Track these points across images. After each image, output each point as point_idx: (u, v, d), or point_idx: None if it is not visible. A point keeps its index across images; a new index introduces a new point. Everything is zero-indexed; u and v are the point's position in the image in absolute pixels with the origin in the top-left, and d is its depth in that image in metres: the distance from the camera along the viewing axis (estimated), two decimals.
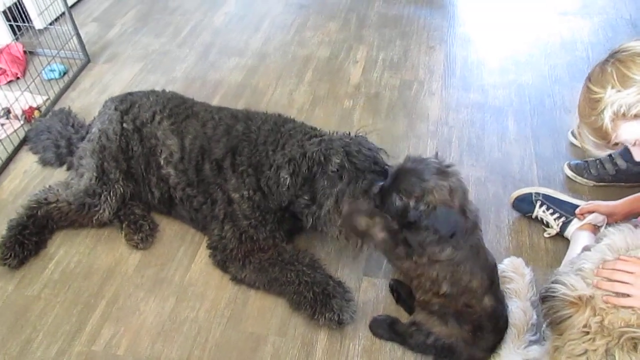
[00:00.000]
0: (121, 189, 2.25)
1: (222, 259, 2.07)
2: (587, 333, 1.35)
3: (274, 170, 1.97)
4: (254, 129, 2.11)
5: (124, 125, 2.28)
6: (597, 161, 2.35)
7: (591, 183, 2.36)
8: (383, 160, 1.97)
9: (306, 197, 1.92)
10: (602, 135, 1.62)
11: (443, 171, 1.61)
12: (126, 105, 2.33)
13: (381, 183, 1.73)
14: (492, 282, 1.67)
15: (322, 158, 1.89)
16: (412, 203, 1.58)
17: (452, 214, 1.57)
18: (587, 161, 2.38)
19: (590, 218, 2.07)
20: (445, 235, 1.58)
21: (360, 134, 2.02)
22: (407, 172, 1.62)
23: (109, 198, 2.23)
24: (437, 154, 1.68)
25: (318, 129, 2.11)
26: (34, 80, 2.90)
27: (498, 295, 1.72)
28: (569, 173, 2.40)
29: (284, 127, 2.09)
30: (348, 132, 2.04)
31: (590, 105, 1.61)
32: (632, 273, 1.36)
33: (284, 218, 2.08)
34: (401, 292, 1.95)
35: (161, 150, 2.22)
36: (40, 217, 2.21)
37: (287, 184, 1.92)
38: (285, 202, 1.98)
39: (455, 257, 1.62)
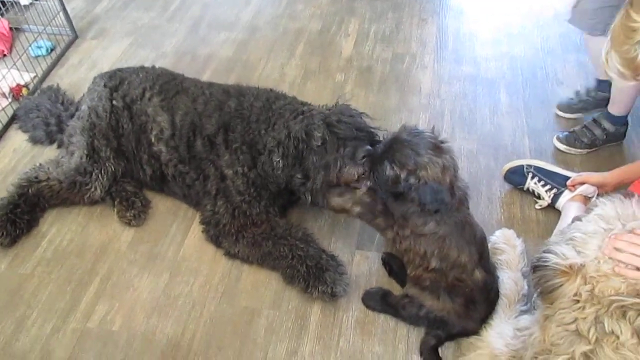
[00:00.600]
0: (112, 167, 2.24)
1: (215, 234, 2.07)
2: (578, 301, 1.36)
3: (267, 155, 1.97)
4: (247, 106, 2.09)
5: (114, 102, 2.25)
6: (585, 129, 2.36)
7: (584, 151, 2.37)
8: (366, 124, 1.95)
9: (299, 176, 1.91)
10: (634, 66, 1.55)
11: (438, 147, 1.61)
12: (115, 81, 2.30)
13: (367, 147, 1.75)
14: (482, 255, 1.68)
15: (304, 135, 1.87)
16: (403, 175, 1.58)
17: (440, 191, 1.58)
18: (574, 131, 2.39)
19: (581, 189, 2.08)
20: (429, 210, 1.59)
21: (342, 103, 2.00)
22: (402, 144, 1.61)
23: (100, 176, 2.21)
24: (433, 128, 1.68)
25: (309, 103, 2.09)
26: (20, 57, 2.86)
27: (488, 267, 1.73)
28: (561, 146, 2.40)
29: (275, 104, 2.07)
30: (334, 104, 2.02)
31: (626, 33, 1.52)
32: None
33: (279, 193, 2.08)
34: (393, 265, 1.96)
35: (152, 127, 2.20)
36: (31, 196, 2.20)
37: (281, 166, 1.92)
38: (282, 184, 1.98)
39: (439, 231, 1.63)
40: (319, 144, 1.84)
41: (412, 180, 1.58)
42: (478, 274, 1.67)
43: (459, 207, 1.65)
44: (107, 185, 2.24)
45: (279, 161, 1.92)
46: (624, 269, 1.33)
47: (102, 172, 2.22)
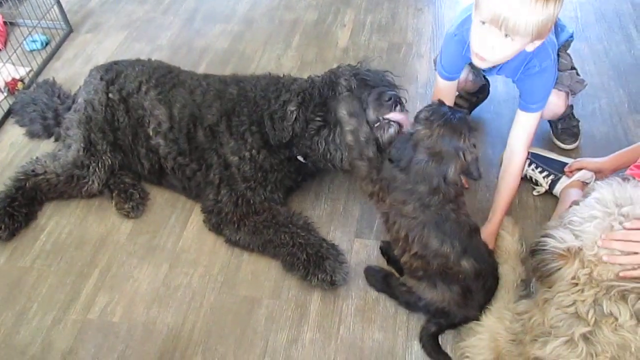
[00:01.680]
0: (109, 160, 2.24)
1: (217, 222, 2.07)
2: (576, 285, 1.38)
3: (280, 105, 1.98)
4: (250, 88, 2.10)
5: (110, 95, 2.25)
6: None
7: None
8: (392, 80, 2.00)
9: (318, 119, 1.92)
10: None
11: (457, 146, 1.61)
12: (112, 75, 2.30)
13: (392, 92, 1.82)
14: (465, 248, 1.67)
15: (332, 78, 1.93)
16: (415, 125, 1.66)
17: (406, 148, 1.63)
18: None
19: (578, 175, 2.09)
20: (393, 158, 1.66)
21: (364, 62, 2.05)
22: (445, 111, 1.65)
23: (97, 169, 2.21)
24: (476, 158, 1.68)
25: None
26: (15, 52, 2.85)
27: (480, 256, 1.72)
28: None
29: (282, 78, 2.13)
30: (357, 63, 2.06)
31: None
32: None
33: (285, 175, 2.10)
34: (391, 255, 1.97)
35: (149, 121, 2.19)
36: (28, 189, 2.20)
37: (294, 116, 1.93)
38: (287, 137, 1.97)
39: (418, 217, 1.64)
40: (346, 89, 1.87)
41: (414, 129, 1.65)
42: (466, 264, 1.67)
43: (441, 204, 1.64)
44: (104, 179, 2.24)
45: (293, 111, 1.93)
46: (629, 272, 1.34)
47: (100, 165, 2.22)
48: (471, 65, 2.11)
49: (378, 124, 1.86)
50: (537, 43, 1.74)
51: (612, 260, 1.34)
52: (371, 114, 1.87)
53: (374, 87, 1.90)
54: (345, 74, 1.93)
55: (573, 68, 2.13)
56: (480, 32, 1.73)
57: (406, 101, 1.98)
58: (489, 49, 1.73)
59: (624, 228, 1.37)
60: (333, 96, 1.90)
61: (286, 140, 1.99)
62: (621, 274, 1.34)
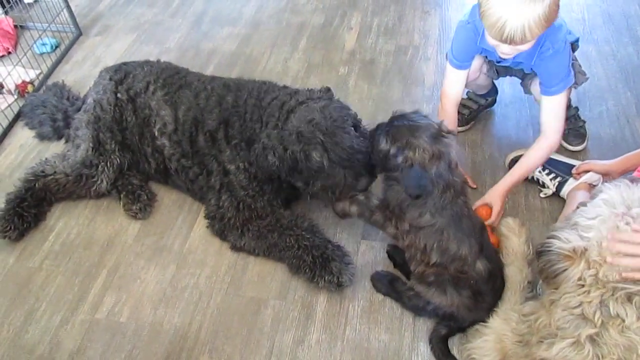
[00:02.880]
0: (117, 159, 2.25)
1: (220, 228, 2.08)
2: (582, 286, 1.37)
3: (261, 149, 1.92)
4: (241, 103, 2.09)
5: (118, 95, 2.26)
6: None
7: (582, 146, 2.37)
8: (355, 121, 1.93)
9: (299, 183, 1.92)
10: None
11: (436, 137, 1.61)
12: (120, 75, 2.32)
13: (365, 179, 1.84)
14: (482, 247, 1.67)
15: (303, 156, 1.82)
16: (392, 150, 1.62)
17: (422, 177, 1.59)
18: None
19: (586, 177, 2.08)
20: (410, 194, 1.62)
21: (323, 91, 2.01)
22: (403, 122, 1.64)
23: (105, 169, 2.23)
24: (442, 122, 1.68)
25: (297, 91, 2.06)
26: (25, 54, 2.88)
27: (491, 256, 1.73)
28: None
29: (264, 100, 2.05)
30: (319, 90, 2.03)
31: None
32: None
33: (281, 188, 2.09)
34: (397, 258, 1.97)
35: (155, 121, 2.21)
36: (38, 190, 2.22)
37: (276, 165, 1.89)
38: (275, 175, 1.97)
39: (436, 223, 1.64)
40: (317, 165, 1.81)
41: (399, 158, 1.61)
42: (480, 265, 1.67)
43: (454, 200, 1.64)
44: (112, 178, 2.25)
45: (274, 161, 1.88)
46: (632, 274, 1.34)
47: (108, 164, 2.23)
48: (485, 57, 2.14)
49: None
50: (557, 14, 1.80)
51: (615, 261, 1.34)
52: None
53: (343, 163, 1.83)
54: (317, 147, 1.80)
55: (574, 59, 2.13)
56: (495, 43, 1.85)
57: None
58: (506, 55, 1.88)
59: (632, 230, 1.37)
60: (307, 168, 1.83)
61: (276, 176, 1.99)
62: (623, 274, 1.33)
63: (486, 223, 1.90)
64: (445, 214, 1.64)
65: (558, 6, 1.76)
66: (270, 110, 2.00)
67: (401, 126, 1.63)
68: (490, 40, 1.85)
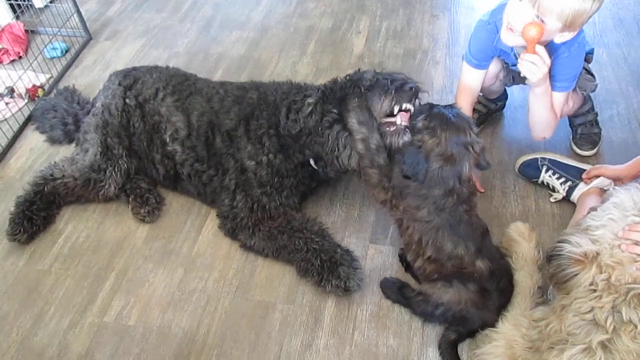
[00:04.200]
0: (125, 164, 2.26)
1: (232, 228, 2.08)
2: (594, 291, 1.36)
3: (301, 98, 2.01)
4: (271, 92, 2.11)
5: (127, 100, 2.27)
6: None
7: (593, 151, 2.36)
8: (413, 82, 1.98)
9: (335, 111, 1.92)
10: None
11: (463, 145, 1.62)
12: (130, 80, 2.33)
13: (413, 83, 1.83)
14: (480, 249, 1.67)
15: (356, 76, 1.95)
16: (418, 125, 1.65)
17: (420, 162, 1.61)
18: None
19: (596, 182, 2.07)
20: (402, 170, 1.64)
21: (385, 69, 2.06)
22: (449, 112, 1.65)
23: (114, 173, 2.24)
24: (482, 144, 1.69)
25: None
26: (36, 59, 2.90)
27: (493, 256, 1.72)
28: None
29: (304, 85, 2.14)
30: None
31: None
32: None
33: (300, 182, 2.11)
34: (405, 250, 1.95)
35: (166, 127, 2.21)
36: (47, 193, 2.23)
37: (310, 109, 1.95)
38: (297, 128, 1.98)
39: (432, 221, 1.64)
40: (368, 84, 1.89)
41: (417, 136, 1.64)
42: (480, 264, 1.67)
43: (455, 206, 1.64)
44: (120, 183, 2.26)
45: (311, 103, 1.96)
46: (631, 246, 1.32)
47: (116, 169, 2.24)
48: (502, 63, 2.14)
49: (394, 128, 1.85)
50: (566, 36, 1.79)
51: (630, 249, 1.32)
52: (387, 104, 1.86)
53: (393, 83, 1.90)
54: (369, 71, 1.96)
55: (584, 68, 2.12)
56: (515, 6, 1.79)
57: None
58: (519, 23, 1.77)
59: None
60: (354, 92, 1.91)
61: (296, 131, 1.99)
62: (623, 247, 1.32)
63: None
64: (443, 216, 1.65)
65: (585, 21, 1.76)
66: (310, 86, 2.10)
67: (443, 114, 1.64)
68: (508, 30, 1.84)
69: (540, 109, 2.03)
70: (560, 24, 1.73)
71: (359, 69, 2.04)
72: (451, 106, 1.69)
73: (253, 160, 2.07)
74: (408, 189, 1.67)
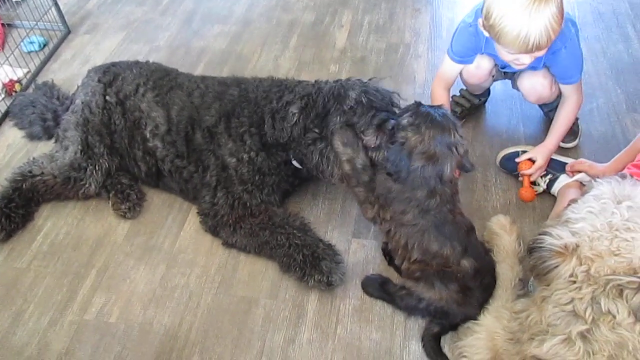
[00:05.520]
0: (106, 163, 2.23)
1: (213, 225, 2.07)
2: (574, 282, 1.37)
3: (282, 105, 1.96)
4: (252, 89, 2.09)
5: (107, 98, 2.24)
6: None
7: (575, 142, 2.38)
8: (398, 103, 1.96)
9: (316, 130, 1.90)
10: None
11: (447, 145, 1.62)
12: (109, 77, 2.29)
13: (394, 121, 1.77)
14: (465, 248, 1.67)
15: (340, 91, 1.88)
16: (403, 122, 1.65)
17: (403, 159, 1.61)
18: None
19: (578, 177, 2.08)
20: (385, 167, 1.65)
21: (374, 80, 2.01)
22: (436, 112, 1.65)
23: (94, 172, 2.20)
24: (467, 148, 1.71)
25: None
26: (12, 53, 2.85)
27: (478, 254, 1.72)
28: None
29: (286, 80, 2.10)
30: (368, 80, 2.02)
31: None
32: None
33: (282, 180, 2.09)
34: (393, 255, 1.96)
35: (146, 123, 2.19)
36: (25, 190, 2.19)
37: (294, 119, 1.91)
38: (285, 137, 1.95)
39: (418, 224, 1.65)
40: (351, 105, 1.84)
41: (401, 133, 1.64)
42: (466, 263, 1.67)
43: (439, 207, 1.65)
44: (101, 181, 2.23)
45: (295, 113, 1.91)
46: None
47: (97, 168, 2.21)
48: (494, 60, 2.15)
49: (377, 144, 1.81)
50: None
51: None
52: (370, 137, 1.81)
53: (378, 109, 1.85)
54: (355, 88, 1.89)
55: None
56: (510, 56, 1.87)
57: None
58: (524, 65, 1.91)
59: None
60: (337, 110, 1.86)
61: (284, 140, 1.97)
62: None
63: (526, 173, 2.11)
64: (428, 217, 1.65)
65: (562, 2, 1.78)
66: (294, 84, 2.05)
67: (429, 113, 1.64)
68: (507, 56, 1.87)
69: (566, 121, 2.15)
70: (558, 28, 1.76)
71: (347, 79, 1.96)
72: (439, 106, 1.70)
73: (234, 157, 2.05)
74: (392, 193, 1.67)
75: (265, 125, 2.00)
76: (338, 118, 1.84)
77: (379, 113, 1.82)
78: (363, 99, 1.84)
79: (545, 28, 1.72)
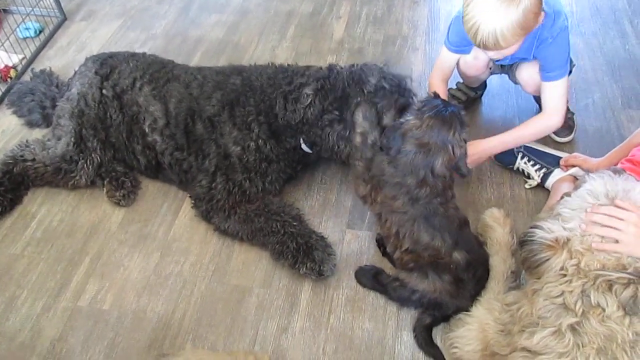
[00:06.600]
0: (98, 157, 2.22)
1: (207, 210, 2.06)
2: (564, 275, 1.38)
3: (296, 87, 1.96)
4: (255, 77, 2.08)
5: (104, 91, 2.22)
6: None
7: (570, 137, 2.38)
8: (410, 87, 1.98)
9: (336, 112, 1.90)
10: None
11: (444, 141, 1.63)
12: (106, 69, 2.27)
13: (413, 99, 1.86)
14: (457, 241, 1.68)
15: (361, 76, 1.89)
16: (415, 106, 1.69)
17: (397, 139, 1.64)
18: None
19: (572, 171, 2.09)
20: (381, 141, 1.70)
21: (387, 65, 2.02)
22: (448, 108, 1.66)
23: (85, 166, 2.20)
24: (465, 150, 1.72)
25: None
26: (8, 39, 2.83)
27: (471, 247, 1.73)
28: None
29: (290, 66, 2.09)
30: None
31: None
32: (622, 220, 1.37)
33: (287, 166, 2.11)
34: (385, 243, 1.97)
35: (144, 118, 2.18)
36: (16, 174, 2.19)
37: (309, 100, 1.92)
38: (297, 119, 1.95)
39: (408, 212, 1.66)
40: (371, 89, 1.86)
41: (405, 116, 1.68)
42: (457, 255, 1.68)
43: (429, 198, 1.65)
44: (92, 175, 2.22)
45: (309, 94, 1.91)
46: (602, 244, 1.35)
47: (88, 162, 2.20)
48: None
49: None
50: (540, 20, 1.79)
51: (589, 229, 1.35)
52: (389, 119, 1.85)
53: (396, 92, 1.89)
54: (374, 73, 1.90)
55: None
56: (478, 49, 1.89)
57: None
58: (492, 57, 1.97)
59: (615, 205, 1.38)
60: (357, 93, 1.88)
61: (295, 122, 1.96)
62: (593, 245, 1.34)
63: None
64: (417, 207, 1.66)
65: (537, 14, 1.74)
66: (304, 72, 2.03)
67: (437, 105, 1.65)
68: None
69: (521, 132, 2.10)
70: (518, 38, 1.75)
71: (364, 64, 1.96)
72: (454, 105, 1.70)
73: (239, 145, 2.04)
74: (383, 175, 1.68)
75: (277, 107, 1.99)
76: (360, 99, 1.87)
77: (402, 98, 1.86)
78: (385, 84, 1.87)
79: (495, 32, 1.70)
